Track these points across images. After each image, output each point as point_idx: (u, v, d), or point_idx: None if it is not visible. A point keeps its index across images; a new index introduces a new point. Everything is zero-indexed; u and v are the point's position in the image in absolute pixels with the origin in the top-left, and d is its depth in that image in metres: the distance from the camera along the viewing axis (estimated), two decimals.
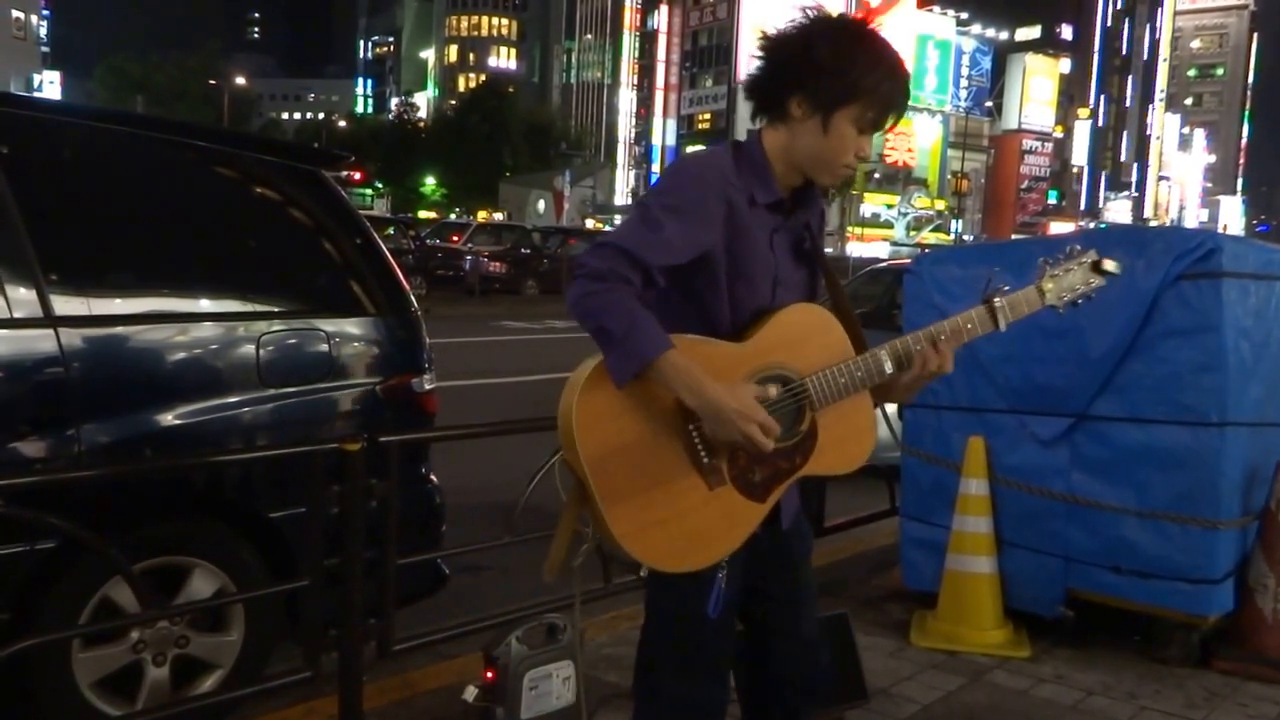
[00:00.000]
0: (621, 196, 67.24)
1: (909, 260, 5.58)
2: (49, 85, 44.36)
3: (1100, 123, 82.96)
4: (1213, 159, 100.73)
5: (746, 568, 1.67)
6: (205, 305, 2.64)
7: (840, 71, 1.50)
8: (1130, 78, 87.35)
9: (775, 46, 1.57)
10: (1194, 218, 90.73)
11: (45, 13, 47.98)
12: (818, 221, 1.68)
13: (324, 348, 2.75)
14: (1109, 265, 1.71)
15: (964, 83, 68.13)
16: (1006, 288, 1.66)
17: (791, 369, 1.56)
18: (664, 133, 69.57)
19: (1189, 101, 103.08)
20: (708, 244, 1.52)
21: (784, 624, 1.77)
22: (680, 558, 1.53)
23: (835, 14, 1.59)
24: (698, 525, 1.52)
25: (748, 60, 1.74)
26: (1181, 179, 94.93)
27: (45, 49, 48.51)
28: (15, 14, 41.82)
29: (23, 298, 2.28)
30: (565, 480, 1.55)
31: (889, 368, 1.59)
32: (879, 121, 1.55)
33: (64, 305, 2.33)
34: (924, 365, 1.62)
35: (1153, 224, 66.92)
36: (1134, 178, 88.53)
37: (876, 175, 58.87)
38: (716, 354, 1.53)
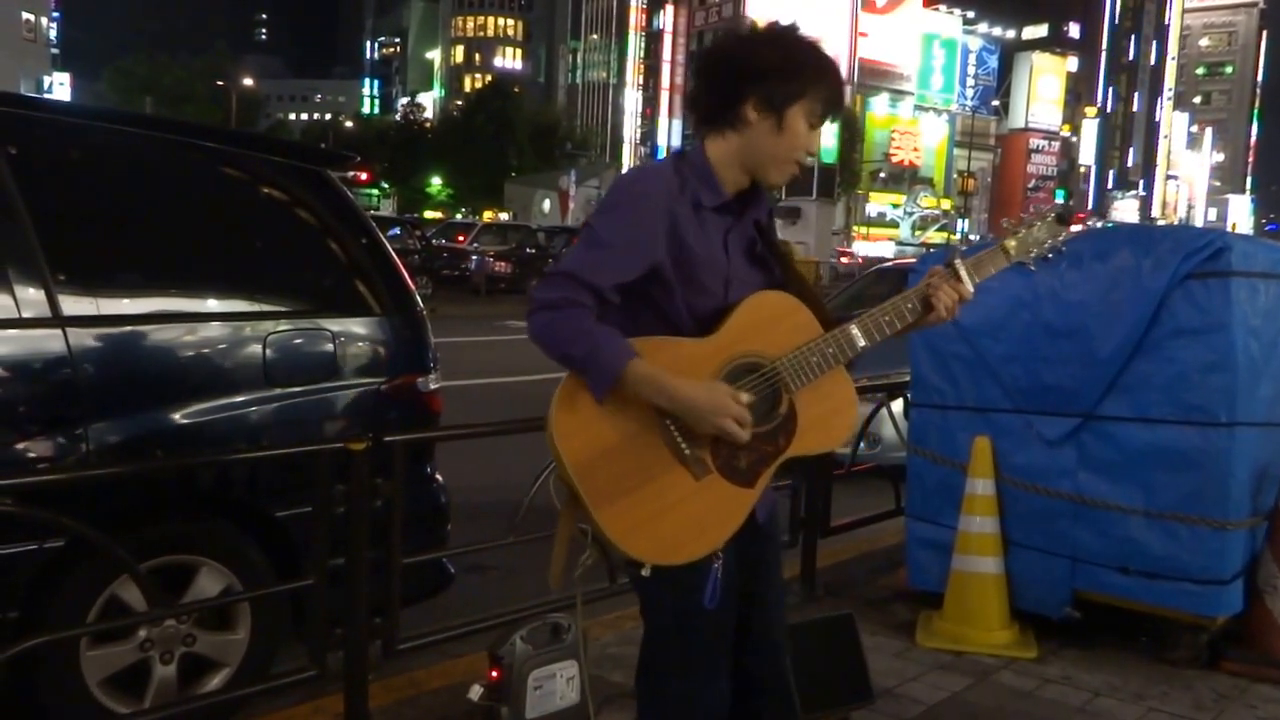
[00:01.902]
0: None
1: (915, 260, 5.56)
2: (59, 87, 44.49)
3: (1107, 121, 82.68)
4: (1221, 158, 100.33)
5: (737, 563, 1.68)
6: (212, 305, 2.64)
7: (789, 72, 1.61)
8: (1138, 76, 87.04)
9: (718, 59, 1.67)
10: (1202, 217, 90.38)
11: (55, 15, 48.18)
12: (767, 218, 1.74)
13: (330, 347, 2.76)
14: (1079, 216, 1.76)
15: (970, 81, 67.94)
16: (965, 249, 1.75)
17: (762, 355, 1.59)
18: (669, 133, 69.55)
19: (1197, 100, 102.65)
20: (653, 259, 1.58)
21: (757, 624, 1.77)
22: (678, 549, 1.56)
23: (763, 25, 1.69)
24: (690, 516, 1.55)
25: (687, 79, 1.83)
26: (1189, 178, 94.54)
27: (55, 51, 48.70)
28: (25, 16, 42.00)
29: (31, 298, 2.29)
30: (559, 492, 1.59)
31: (861, 341, 1.63)
32: (824, 115, 1.66)
33: (72, 305, 2.34)
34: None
35: (1160, 223, 66.67)
36: (1141, 177, 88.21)
37: (882, 175, 58.79)
38: (685, 352, 1.57)
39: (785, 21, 1.68)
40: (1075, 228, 1.75)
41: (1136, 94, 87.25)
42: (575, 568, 1.61)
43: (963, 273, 1.70)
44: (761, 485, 1.60)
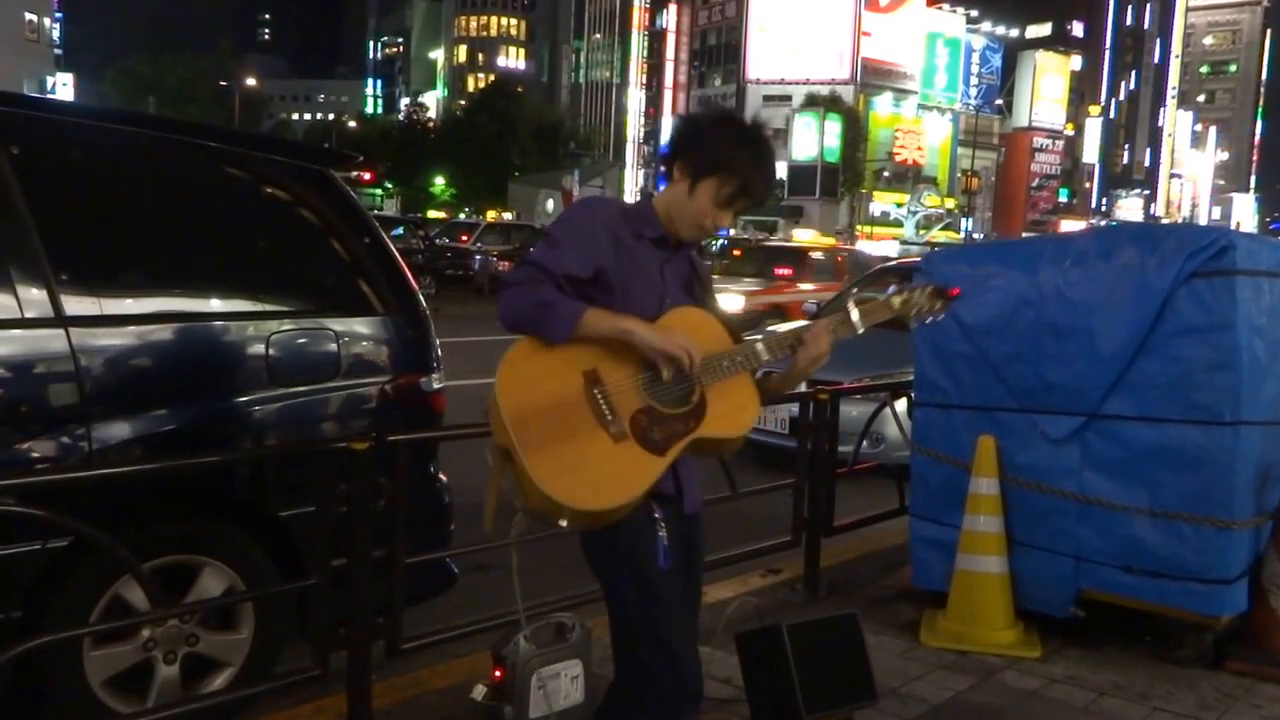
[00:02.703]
0: (631, 196, 67.17)
1: (919, 259, 5.54)
2: (62, 87, 44.55)
3: (1111, 120, 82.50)
4: (1225, 156, 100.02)
5: (677, 530, 1.90)
6: (215, 305, 2.64)
7: (710, 150, 1.89)
8: (1142, 75, 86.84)
9: (680, 122, 1.99)
10: (1206, 215, 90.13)
11: (58, 15, 48.24)
12: (697, 257, 2.07)
13: (333, 347, 2.76)
14: (954, 291, 2.02)
15: (974, 80, 67.79)
16: (855, 292, 1.94)
17: None
18: None
19: (1201, 98, 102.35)
20: (598, 263, 1.85)
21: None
22: (594, 496, 1.76)
23: (729, 110, 1.93)
24: (607, 471, 1.78)
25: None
26: (1194, 176, 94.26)
27: (58, 51, 48.76)
28: (28, 16, 42.07)
29: (34, 298, 2.30)
30: (492, 451, 1.84)
31: (764, 354, 1.90)
32: (733, 200, 1.90)
33: (74, 305, 2.34)
34: (805, 363, 1.94)
35: (1164, 222, 66.52)
36: (1146, 175, 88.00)
37: (886, 174, 58.69)
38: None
39: (746, 116, 1.98)
40: (950, 301, 2.02)
41: (1140, 92, 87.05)
42: (511, 527, 1.85)
43: (853, 314, 1.96)
44: (671, 456, 1.82)
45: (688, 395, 1.85)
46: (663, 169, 2.00)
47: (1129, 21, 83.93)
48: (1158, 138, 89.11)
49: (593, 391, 1.79)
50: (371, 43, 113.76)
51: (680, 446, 1.83)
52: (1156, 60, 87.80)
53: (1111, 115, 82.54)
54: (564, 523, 1.77)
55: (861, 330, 1.97)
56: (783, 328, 1.94)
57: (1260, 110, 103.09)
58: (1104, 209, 77.92)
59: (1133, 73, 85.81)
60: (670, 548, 1.87)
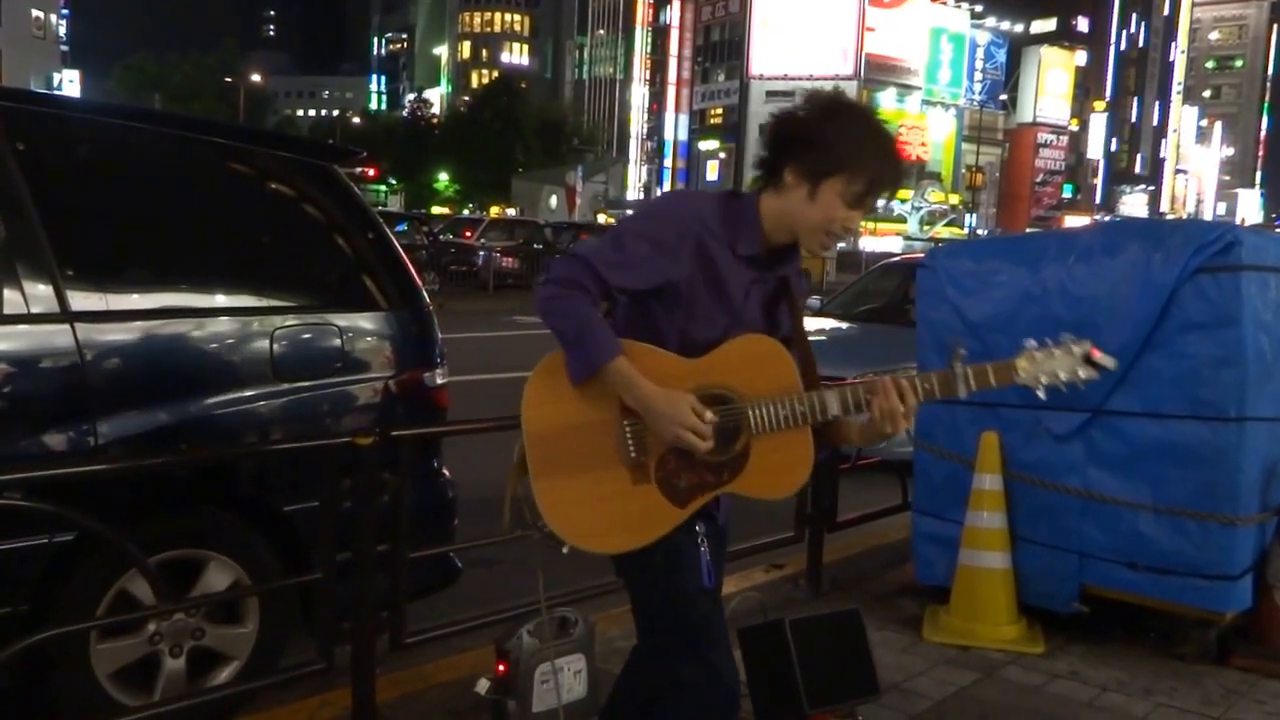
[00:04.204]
0: (634, 192, 67.15)
1: (922, 255, 5.54)
2: (68, 84, 44.61)
3: (1116, 116, 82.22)
4: (1231, 152, 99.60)
5: (715, 541, 1.75)
6: (219, 300, 2.65)
7: (828, 145, 1.63)
8: (1147, 70, 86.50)
9: (779, 121, 1.70)
10: (1211, 211, 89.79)
11: (64, 12, 48.28)
12: (795, 276, 1.79)
13: (337, 342, 2.76)
14: (1103, 359, 1.70)
15: (978, 76, 67.57)
16: (964, 352, 1.69)
17: (735, 391, 1.65)
18: (676, 128, 69.43)
19: (1207, 94, 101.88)
20: (670, 277, 1.64)
21: None
22: (593, 537, 1.64)
23: (836, 94, 1.71)
24: (615, 512, 1.63)
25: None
26: (1199, 172, 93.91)
27: (65, 48, 48.80)
28: (35, 13, 42.15)
29: (39, 293, 2.30)
30: (518, 450, 1.68)
31: (834, 408, 1.65)
32: (865, 196, 1.66)
33: (80, 300, 2.35)
34: (880, 416, 1.64)
35: (1170, 217, 66.24)
36: (1150, 171, 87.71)
37: None
38: (665, 364, 1.64)
39: (851, 99, 1.69)
40: (1106, 364, 1.70)
41: (1145, 88, 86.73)
42: (523, 530, 1.70)
43: (960, 383, 1.65)
44: (691, 509, 1.64)
45: (731, 441, 1.64)
46: (761, 175, 1.71)
47: (1134, 16, 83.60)
48: (1163, 133, 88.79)
49: (624, 422, 1.62)
50: (376, 39, 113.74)
51: (703, 500, 1.65)
52: (1162, 56, 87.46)
53: (1116, 111, 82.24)
54: (566, 550, 1.65)
55: (964, 395, 1.67)
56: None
57: (1266, 105, 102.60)
58: (1108, 205, 77.68)
59: (1138, 68, 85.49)
60: (713, 563, 1.71)
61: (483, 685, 2.49)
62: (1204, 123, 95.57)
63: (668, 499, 1.63)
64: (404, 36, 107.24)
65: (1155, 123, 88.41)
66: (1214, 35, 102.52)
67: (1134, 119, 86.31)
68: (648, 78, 74.01)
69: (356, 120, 68.80)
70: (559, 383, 1.62)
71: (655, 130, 72.24)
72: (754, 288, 1.72)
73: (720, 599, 1.80)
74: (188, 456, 2.47)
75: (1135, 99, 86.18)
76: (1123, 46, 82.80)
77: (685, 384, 1.62)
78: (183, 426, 2.47)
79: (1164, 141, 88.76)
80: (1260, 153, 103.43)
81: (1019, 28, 71.03)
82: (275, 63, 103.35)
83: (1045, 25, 75.10)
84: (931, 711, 2.83)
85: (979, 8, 67.33)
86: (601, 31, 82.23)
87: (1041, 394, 1.71)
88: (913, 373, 1.70)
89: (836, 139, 1.63)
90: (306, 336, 2.73)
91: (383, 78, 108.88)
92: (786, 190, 1.67)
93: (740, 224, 1.69)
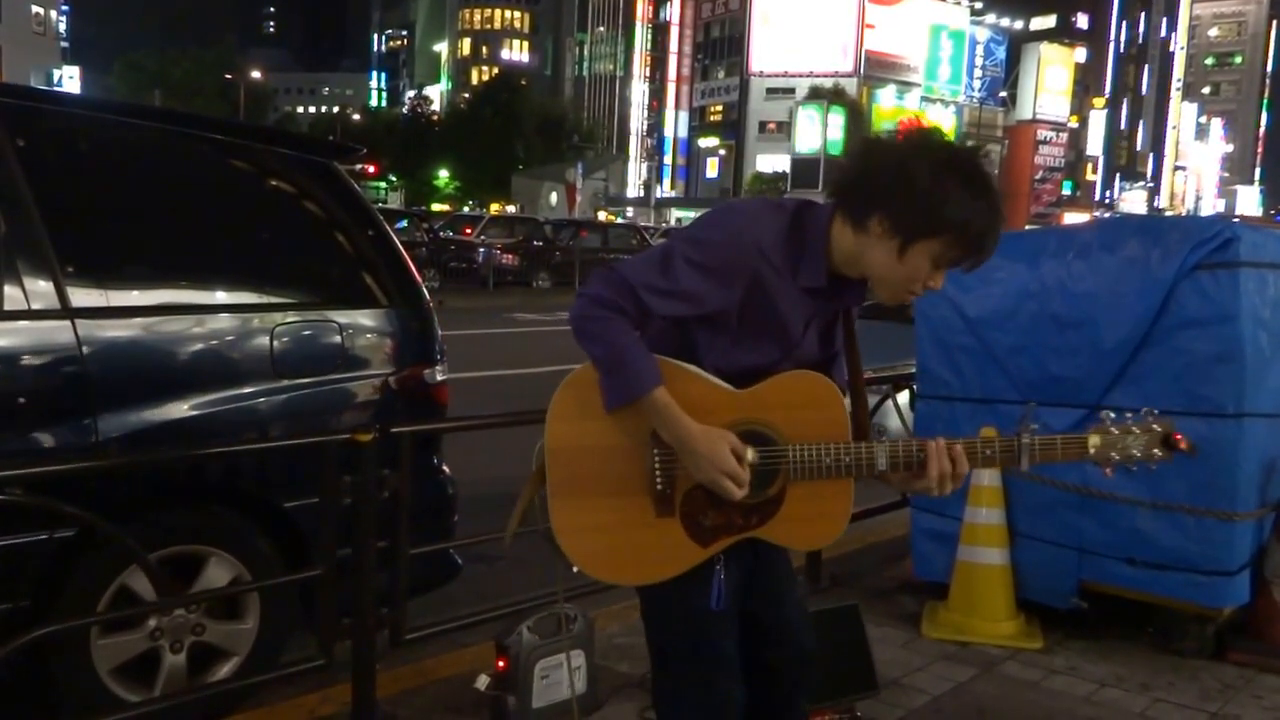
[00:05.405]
0: (634, 189, 67.11)
1: None
2: (68, 80, 44.60)
3: (1116, 112, 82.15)
4: (1230, 148, 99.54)
5: (741, 561, 1.65)
6: (220, 297, 2.65)
7: (934, 206, 1.43)
8: (1146, 67, 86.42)
9: (871, 153, 1.51)
10: (1211, 208, 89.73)
11: (64, 8, 48.28)
12: (857, 305, 1.65)
13: (337, 339, 2.77)
14: (1182, 444, 1.57)
15: (978, 73, 67.56)
16: (1035, 426, 1.57)
17: (778, 431, 1.54)
18: (676, 125, 69.40)
19: (1206, 90, 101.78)
20: (719, 306, 1.50)
21: (772, 619, 1.74)
22: (605, 568, 1.56)
23: (944, 138, 1.52)
24: (633, 544, 1.53)
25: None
26: (1198, 169, 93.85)
27: (65, 44, 48.82)
28: (35, 9, 42.12)
29: (40, 289, 2.31)
30: (538, 456, 1.57)
31: (882, 464, 1.54)
32: (960, 262, 1.50)
33: (80, 297, 2.35)
34: (931, 479, 1.54)
35: (1168, 214, 66.18)
36: (1150, 168, 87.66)
37: None
38: (708, 393, 1.53)
39: (969, 148, 1.51)
40: (1183, 448, 1.58)
41: (1145, 85, 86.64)
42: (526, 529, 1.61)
43: (1023, 455, 1.53)
44: (713, 550, 1.54)
45: (767, 483, 1.53)
46: (841, 207, 1.51)
47: (1133, 13, 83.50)
48: (1162, 130, 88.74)
49: (654, 450, 1.51)
50: (376, 36, 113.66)
51: (728, 543, 1.55)
52: (1161, 52, 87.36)
53: (1116, 107, 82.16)
54: (575, 569, 1.58)
55: (1025, 468, 1.56)
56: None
57: (1265, 102, 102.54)
58: (1108, 201, 77.64)
59: (1137, 65, 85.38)
60: (728, 586, 1.59)
61: (483, 681, 2.50)
62: (1203, 119, 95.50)
63: (690, 536, 1.53)
64: (404, 33, 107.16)
65: (1154, 119, 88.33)
66: (1213, 32, 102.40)
67: (1134, 116, 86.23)
68: (648, 74, 73.94)
69: (357, 117, 68.74)
70: (590, 397, 1.50)
71: (655, 127, 72.20)
72: (815, 321, 1.58)
73: (733, 622, 1.66)
74: (188, 453, 2.48)
75: (1134, 95, 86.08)
76: (1122, 43, 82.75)
77: (725, 416, 1.51)
78: (183, 423, 2.47)
79: (1163, 138, 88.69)
80: (1259, 149, 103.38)
81: (1019, 24, 70.98)
82: (275, 59, 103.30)
83: (1045, 22, 75.04)
84: (930, 707, 2.84)
85: (979, 4, 67.29)
86: (601, 28, 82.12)
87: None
88: (974, 436, 1.58)
89: (946, 200, 1.42)
90: (307, 333, 2.73)
91: (383, 74, 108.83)
92: (869, 236, 1.48)
93: (804, 254, 1.51)
